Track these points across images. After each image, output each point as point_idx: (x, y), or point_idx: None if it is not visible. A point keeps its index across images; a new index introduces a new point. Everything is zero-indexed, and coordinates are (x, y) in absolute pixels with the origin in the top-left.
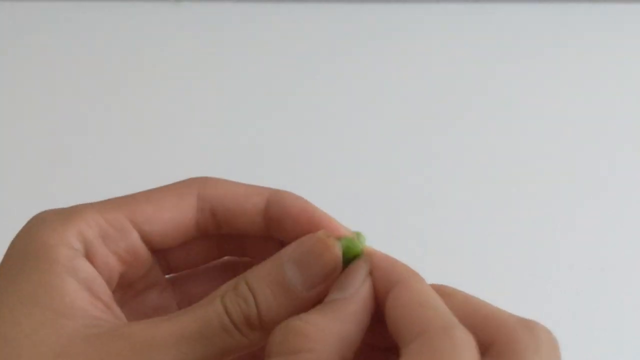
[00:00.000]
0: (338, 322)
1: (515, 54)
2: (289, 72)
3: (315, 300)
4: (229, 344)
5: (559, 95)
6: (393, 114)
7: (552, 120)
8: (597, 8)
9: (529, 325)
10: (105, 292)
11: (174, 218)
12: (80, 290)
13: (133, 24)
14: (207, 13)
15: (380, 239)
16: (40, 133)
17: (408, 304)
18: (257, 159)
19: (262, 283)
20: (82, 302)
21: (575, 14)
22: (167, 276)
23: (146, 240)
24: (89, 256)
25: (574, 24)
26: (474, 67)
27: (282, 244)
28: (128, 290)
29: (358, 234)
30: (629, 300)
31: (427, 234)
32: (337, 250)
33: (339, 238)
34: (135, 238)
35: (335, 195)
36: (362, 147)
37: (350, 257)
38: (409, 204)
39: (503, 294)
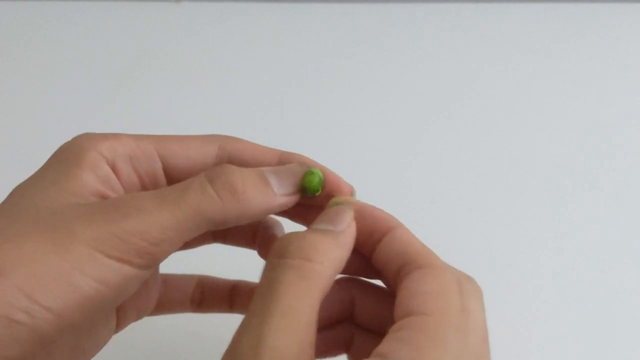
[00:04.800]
0: (337, 247)
1: (515, 54)
2: (289, 72)
3: (280, 209)
4: (209, 210)
5: (559, 95)
6: (393, 114)
7: (552, 121)
8: (597, 8)
9: (470, 278)
10: (119, 191)
11: (195, 158)
12: (95, 182)
13: (133, 24)
14: (207, 13)
15: None
16: (40, 133)
17: (411, 243)
18: None
19: (247, 170)
20: (93, 190)
21: (575, 14)
22: None
23: (167, 171)
24: (114, 168)
25: (574, 24)
26: (474, 67)
27: None
28: None
29: (352, 191)
30: (629, 301)
31: (425, 234)
32: (302, 172)
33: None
34: (158, 167)
35: None
36: (362, 147)
37: (311, 177)
38: (406, 206)
39: (502, 294)
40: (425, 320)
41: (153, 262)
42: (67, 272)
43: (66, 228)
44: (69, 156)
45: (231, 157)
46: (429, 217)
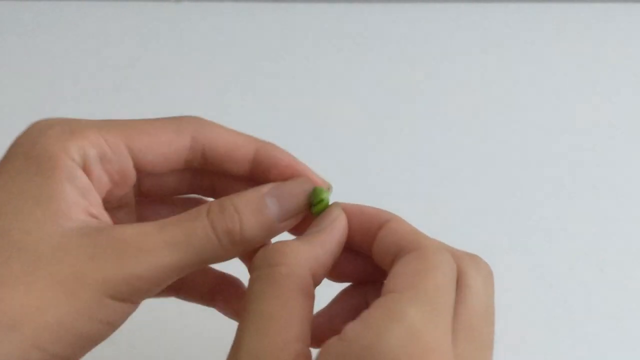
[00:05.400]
0: (308, 245)
1: (515, 54)
2: (289, 72)
3: (283, 231)
4: (210, 254)
5: (559, 95)
6: (393, 114)
7: (552, 121)
8: (597, 8)
9: (473, 256)
10: (98, 202)
11: (167, 152)
12: (77, 196)
13: (133, 24)
14: (207, 13)
15: None
16: None
17: (404, 231)
18: None
19: (247, 207)
20: (79, 207)
21: (575, 14)
22: None
23: (137, 166)
24: (86, 171)
25: (574, 24)
26: (473, 67)
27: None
28: (105, 202)
29: (329, 186)
30: (629, 301)
31: (425, 232)
32: (309, 193)
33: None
34: (128, 163)
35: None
36: (362, 147)
37: (320, 205)
38: (405, 205)
39: (501, 294)
40: (387, 297)
41: (150, 297)
42: (76, 320)
43: (73, 272)
44: (39, 165)
45: (205, 149)
46: (429, 217)
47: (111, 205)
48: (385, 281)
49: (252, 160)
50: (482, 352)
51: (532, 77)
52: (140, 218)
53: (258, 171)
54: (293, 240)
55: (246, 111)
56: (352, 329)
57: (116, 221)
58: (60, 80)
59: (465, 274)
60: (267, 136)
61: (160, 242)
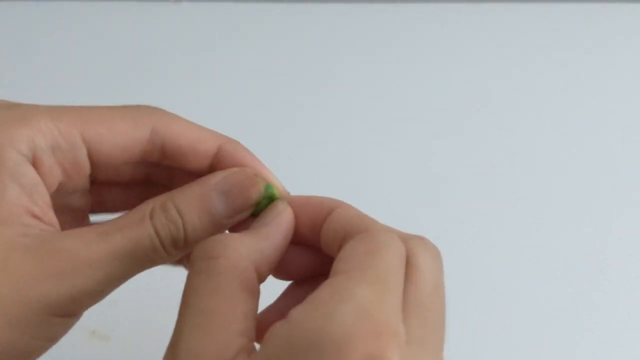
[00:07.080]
0: (252, 237)
1: (514, 54)
2: (289, 73)
3: (230, 226)
4: (154, 260)
5: (560, 95)
6: (393, 114)
7: (552, 121)
8: (597, 8)
9: (421, 238)
10: (45, 199)
11: (124, 144)
12: (21, 196)
13: (133, 24)
14: (207, 13)
15: None
16: None
17: (351, 216)
18: None
19: (191, 209)
20: (21, 209)
21: (575, 14)
22: None
23: (91, 157)
24: (35, 163)
25: (574, 24)
26: (474, 67)
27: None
28: (56, 191)
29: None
30: (629, 301)
31: (424, 233)
32: (261, 189)
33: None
34: (82, 154)
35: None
36: (362, 147)
37: (267, 201)
38: (405, 206)
39: (501, 294)
40: (335, 278)
41: (92, 305)
42: (18, 341)
43: (17, 293)
44: None
45: (165, 142)
46: (429, 217)
47: (63, 192)
48: (333, 264)
49: (214, 157)
50: (434, 329)
51: (531, 78)
52: (95, 201)
53: (218, 169)
54: (237, 233)
55: (245, 111)
56: (299, 311)
57: (68, 207)
58: (59, 80)
59: (414, 254)
60: (265, 136)
61: (105, 255)
